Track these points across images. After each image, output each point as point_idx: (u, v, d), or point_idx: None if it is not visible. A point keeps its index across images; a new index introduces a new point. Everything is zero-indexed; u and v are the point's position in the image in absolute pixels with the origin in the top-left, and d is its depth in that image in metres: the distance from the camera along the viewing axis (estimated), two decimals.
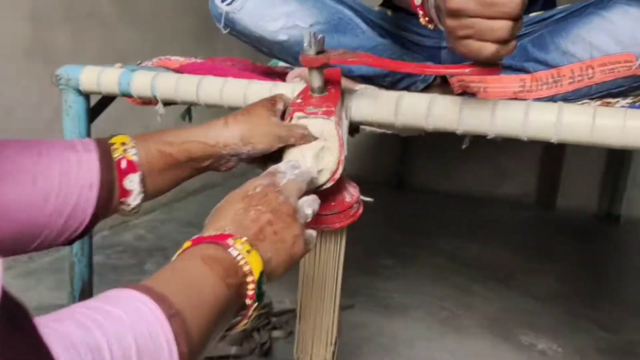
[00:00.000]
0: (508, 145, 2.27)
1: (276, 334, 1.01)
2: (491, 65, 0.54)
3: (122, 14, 1.57)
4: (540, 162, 2.28)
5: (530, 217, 2.13)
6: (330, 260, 0.73)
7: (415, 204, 2.20)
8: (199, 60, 0.98)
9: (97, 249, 1.44)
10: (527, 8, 0.92)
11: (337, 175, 0.62)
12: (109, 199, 0.53)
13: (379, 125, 0.68)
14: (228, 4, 0.80)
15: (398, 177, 2.41)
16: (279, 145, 0.62)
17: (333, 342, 0.76)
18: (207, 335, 0.36)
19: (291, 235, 0.49)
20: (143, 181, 0.55)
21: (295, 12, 0.82)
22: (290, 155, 0.62)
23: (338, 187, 0.68)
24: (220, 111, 1.43)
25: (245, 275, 0.41)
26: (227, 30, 0.83)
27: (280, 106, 0.64)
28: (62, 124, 0.83)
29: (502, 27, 0.48)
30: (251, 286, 0.41)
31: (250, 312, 0.42)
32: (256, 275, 0.42)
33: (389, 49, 0.87)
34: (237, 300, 0.41)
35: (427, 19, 0.59)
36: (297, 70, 0.86)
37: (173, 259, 0.42)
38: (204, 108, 1.25)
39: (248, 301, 0.42)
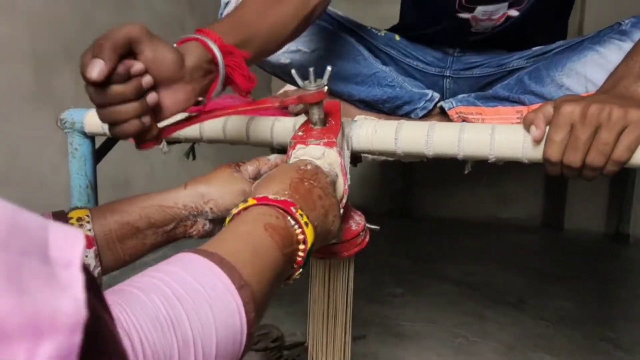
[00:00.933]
0: (511, 170, 2.29)
1: None
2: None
3: None
4: (545, 184, 2.28)
5: (538, 239, 2.12)
6: (339, 289, 0.72)
7: (421, 232, 2.20)
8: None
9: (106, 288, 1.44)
10: (533, 41, 0.95)
11: (343, 203, 0.63)
12: None
13: (380, 153, 0.69)
14: None
15: (402, 206, 2.42)
16: None
17: None
18: (267, 301, 0.40)
19: (333, 213, 0.52)
20: (99, 256, 0.55)
21: (298, 38, 0.84)
22: None
23: (344, 216, 0.68)
24: (223, 148, 1.45)
25: (299, 243, 0.44)
26: None
27: (250, 167, 0.66)
28: (69, 166, 0.84)
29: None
30: (301, 254, 0.44)
31: (294, 276, 0.45)
32: (309, 245, 0.45)
33: (389, 76, 0.89)
34: (289, 267, 0.44)
35: None
36: (288, 88, 0.88)
37: (232, 213, 0.45)
38: (208, 146, 1.27)
39: (295, 266, 0.45)
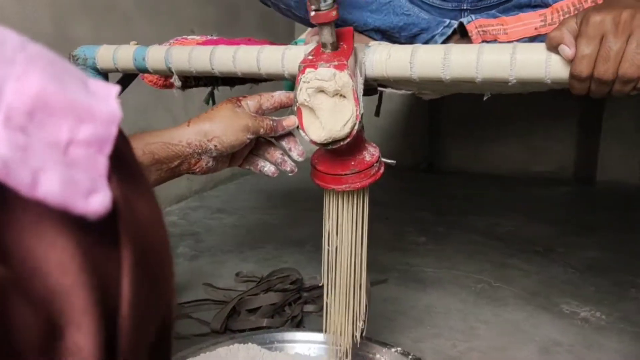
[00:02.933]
0: (540, 122, 2.21)
1: (308, 308, 1.00)
2: None
3: (141, 6, 1.58)
4: (577, 136, 2.20)
5: (569, 192, 2.06)
6: (354, 224, 0.71)
7: (447, 186, 2.16)
8: (215, 38, 0.97)
9: None
10: None
11: (356, 130, 0.61)
12: None
13: (395, 80, 0.66)
14: None
15: (428, 160, 2.38)
16: (249, 136, 0.62)
17: (362, 316, 0.74)
18: None
19: None
20: None
21: None
22: (305, 118, 0.61)
23: (357, 146, 0.66)
24: (243, 93, 1.43)
25: None
26: None
27: (251, 102, 0.64)
28: None
29: None
30: None
31: None
32: None
33: (405, 5, 0.85)
34: None
35: None
36: (314, 29, 0.85)
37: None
38: (228, 92, 1.25)
39: None
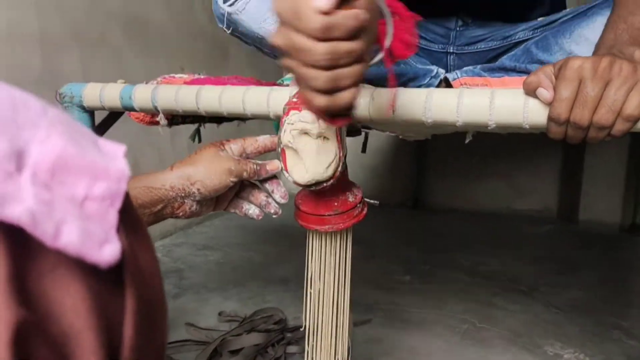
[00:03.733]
0: (525, 161, 2.25)
1: (291, 349, 0.98)
2: (340, 115, 0.49)
3: (131, 39, 1.60)
4: (560, 175, 2.24)
5: (552, 230, 2.08)
6: (337, 265, 0.71)
7: (433, 223, 2.17)
8: (202, 77, 0.99)
9: None
10: (534, 11, 0.93)
11: (339, 172, 0.61)
12: None
13: (378, 122, 0.67)
14: (230, 5, 0.81)
15: (414, 197, 2.39)
16: (233, 180, 0.63)
17: (344, 356, 0.73)
18: None
19: None
20: None
21: None
22: (289, 160, 0.62)
23: (341, 186, 0.67)
24: (229, 132, 1.45)
25: None
26: (230, 30, 0.84)
27: (234, 145, 0.65)
28: None
29: (315, 77, 0.41)
30: None
31: None
32: None
33: None
34: None
35: None
36: None
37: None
38: (215, 129, 1.26)
39: None
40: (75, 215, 0.19)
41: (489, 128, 0.61)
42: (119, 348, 0.20)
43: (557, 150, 2.21)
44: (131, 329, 0.20)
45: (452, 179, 2.35)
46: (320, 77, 0.40)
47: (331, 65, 0.40)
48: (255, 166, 0.65)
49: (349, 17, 0.38)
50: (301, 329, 0.75)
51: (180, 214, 0.62)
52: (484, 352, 1.05)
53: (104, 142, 0.23)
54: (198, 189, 0.61)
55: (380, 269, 1.54)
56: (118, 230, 0.20)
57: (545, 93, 0.54)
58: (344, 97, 0.43)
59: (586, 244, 1.87)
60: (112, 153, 0.22)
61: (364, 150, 1.31)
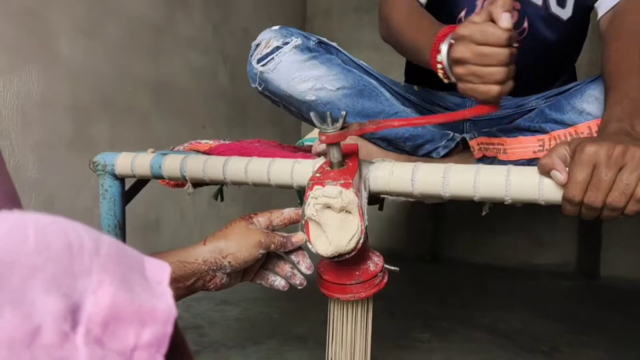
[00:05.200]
0: (543, 214, 2.25)
1: None
2: (492, 103, 0.67)
3: (157, 105, 1.67)
4: (579, 229, 2.22)
5: (572, 286, 2.05)
6: (357, 332, 0.72)
7: (451, 277, 2.16)
8: (227, 142, 1.03)
9: None
10: (548, 86, 0.97)
11: (360, 244, 0.64)
12: None
13: (398, 195, 0.70)
14: (263, 65, 0.87)
15: (432, 251, 2.39)
16: (262, 252, 0.65)
17: None
18: None
19: None
20: None
21: (324, 76, 0.88)
22: (312, 232, 0.64)
23: (362, 256, 0.69)
24: (250, 191, 1.47)
25: None
26: (261, 88, 0.90)
27: (262, 218, 0.68)
28: (100, 207, 0.87)
29: (498, 71, 0.62)
30: None
31: None
32: None
33: (410, 116, 0.91)
34: None
35: (442, 72, 0.70)
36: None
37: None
38: (236, 188, 1.29)
39: None
40: None
41: (506, 202, 0.63)
42: None
43: None
44: None
45: (470, 232, 2.35)
46: (502, 72, 0.62)
47: (509, 63, 0.62)
48: (282, 239, 0.68)
49: (515, 33, 0.63)
50: None
51: (212, 286, 0.64)
52: None
53: (150, 266, 0.24)
54: (229, 262, 0.63)
55: (399, 325, 1.53)
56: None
57: (560, 176, 0.56)
58: (509, 84, 0.65)
59: (608, 301, 1.84)
60: (159, 280, 0.23)
61: (381, 208, 1.33)
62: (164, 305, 0.22)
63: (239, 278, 0.69)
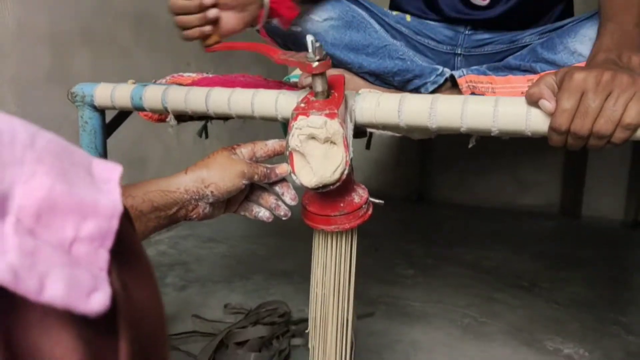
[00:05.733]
0: (528, 156, 2.26)
1: (295, 341, 1.01)
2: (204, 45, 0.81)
3: (140, 39, 1.62)
4: (563, 170, 2.24)
5: (554, 226, 2.09)
6: (341, 264, 0.73)
7: (436, 217, 2.18)
8: (211, 76, 1.00)
9: None
10: (541, 21, 0.94)
11: (345, 175, 0.63)
12: None
13: (384, 127, 0.69)
14: None
15: (418, 192, 2.41)
16: (245, 182, 0.64)
17: (348, 351, 0.75)
18: None
19: None
20: None
21: (310, 7, 0.85)
22: (296, 163, 0.63)
23: (346, 188, 0.69)
24: (235, 128, 1.46)
25: None
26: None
27: (245, 150, 0.67)
28: (80, 140, 0.85)
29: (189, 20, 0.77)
30: None
31: None
32: None
33: (400, 50, 0.89)
34: None
35: None
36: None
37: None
38: (221, 126, 1.27)
39: None
40: (62, 264, 0.18)
41: (492, 134, 0.63)
42: None
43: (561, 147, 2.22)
44: None
45: (456, 173, 2.37)
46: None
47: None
48: (265, 169, 0.67)
49: None
50: (306, 331, 0.77)
51: (194, 216, 0.64)
52: (485, 347, 1.07)
53: (99, 165, 0.22)
54: (212, 192, 0.62)
55: (384, 262, 1.56)
56: (110, 271, 0.20)
57: (547, 104, 0.56)
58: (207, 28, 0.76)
59: (588, 240, 1.88)
60: (107, 179, 0.22)
61: (368, 146, 1.32)
62: (108, 200, 0.20)
63: (222, 209, 0.69)
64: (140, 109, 0.81)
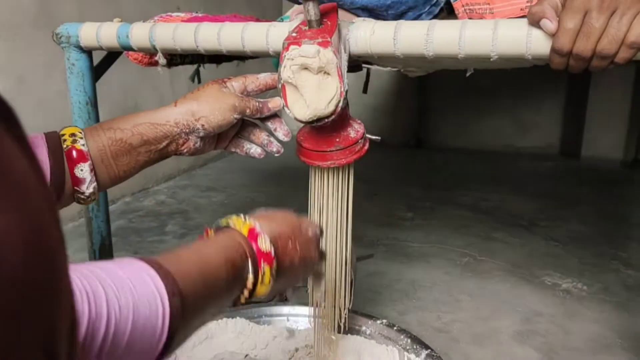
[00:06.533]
0: (528, 98, 2.23)
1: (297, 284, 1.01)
2: None
3: None
4: (563, 112, 2.22)
5: (554, 167, 2.09)
6: (339, 200, 0.72)
7: (435, 162, 2.18)
8: (200, 15, 0.97)
9: (120, 214, 1.47)
10: None
11: (340, 107, 0.61)
12: (60, 189, 0.54)
13: (380, 58, 0.67)
14: None
15: (417, 137, 2.39)
16: (236, 116, 0.62)
17: (348, 290, 0.75)
18: (200, 319, 0.39)
19: (297, 277, 0.53)
20: (94, 170, 0.56)
21: None
22: (289, 96, 0.61)
23: (342, 123, 0.67)
24: (229, 73, 1.44)
25: (245, 288, 0.44)
26: None
27: (236, 83, 0.64)
28: (68, 83, 0.83)
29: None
30: (244, 297, 0.44)
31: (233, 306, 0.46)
32: (253, 295, 0.45)
33: None
34: (230, 299, 0.44)
35: None
36: (299, 7, 0.84)
37: (221, 224, 0.46)
38: (214, 71, 1.24)
39: (242, 299, 0.45)
40: None
41: (492, 59, 0.60)
42: None
43: (561, 87, 2.18)
44: None
45: (454, 117, 2.34)
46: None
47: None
48: (257, 103, 0.65)
49: None
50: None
51: (185, 150, 0.62)
52: (484, 283, 1.08)
53: None
54: (202, 125, 0.61)
55: (383, 206, 1.56)
56: None
57: (549, 24, 0.53)
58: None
59: (587, 180, 1.88)
60: None
61: (365, 90, 1.30)
62: None
63: (213, 144, 0.67)
64: (128, 48, 0.78)
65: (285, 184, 1.75)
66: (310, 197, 0.72)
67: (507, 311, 0.97)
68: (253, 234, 0.45)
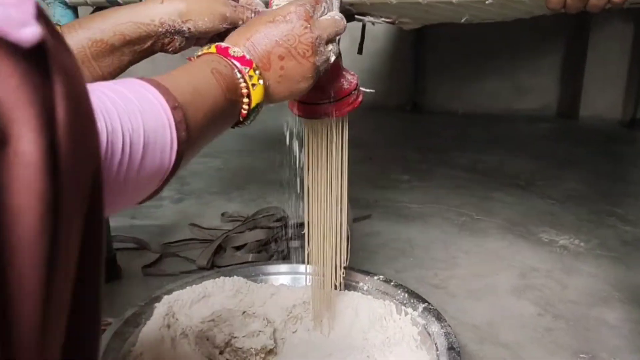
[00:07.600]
0: (525, 60, 2.20)
1: (293, 243, 1.01)
2: None
3: None
4: (560, 73, 2.20)
5: (552, 128, 2.08)
6: (333, 154, 0.71)
7: (431, 125, 2.16)
8: None
9: None
10: None
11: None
12: None
13: (372, 6, 0.65)
14: None
15: (412, 101, 2.37)
16: (226, 26, 0.58)
17: (344, 248, 0.75)
18: (202, 132, 0.41)
19: (299, 74, 0.49)
20: None
21: None
22: None
23: (335, 74, 0.65)
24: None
25: (243, 97, 0.45)
26: None
27: None
28: None
29: None
30: (245, 107, 0.45)
31: (240, 125, 0.47)
32: (252, 104, 0.45)
33: None
34: (232, 113, 0.45)
35: None
36: None
37: (194, 56, 0.46)
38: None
39: (241, 118, 0.46)
40: None
41: (487, 2, 0.59)
42: (56, 126, 0.20)
43: (559, 47, 2.15)
44: (63, 109, 0.21)
45: (450, 80, 2.32)
46: None
47: None
48: (252, 15, 0.61)
49: None
50: (303, 232, 0.76)
51: (170, 49, 0.59)
52: (481, 241, 1.08)
53: None
54: (188, 28, 0.57)
55: (379, 169, 1.56)
56: (38, 21, 0.20)
57: None
58: None
59: (585, 140, 1.87)
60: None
61: (360, 51, 1.27)
62: None
63: (193, 42, 0.63)
64: (115, 3, 0.76)
65: (280, 149, 1.74)
66: (305, 153, 0.71)
67: (504, 268, 0.97)
68: (220, 48, 0.46)
